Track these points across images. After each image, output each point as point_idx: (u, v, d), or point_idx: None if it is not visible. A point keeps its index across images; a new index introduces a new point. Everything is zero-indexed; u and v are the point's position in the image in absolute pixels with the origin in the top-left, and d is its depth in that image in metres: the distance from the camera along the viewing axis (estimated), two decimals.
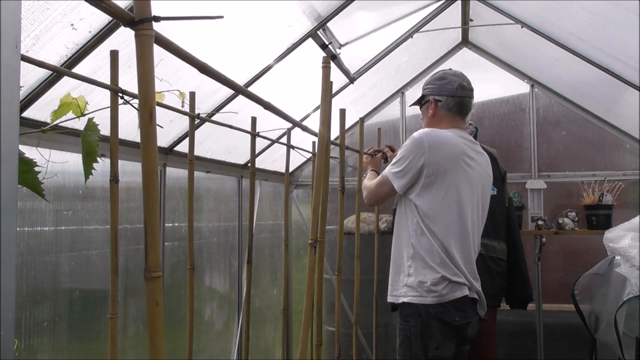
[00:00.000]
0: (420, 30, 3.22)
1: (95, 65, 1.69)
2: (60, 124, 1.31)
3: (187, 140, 1.91)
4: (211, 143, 2.74)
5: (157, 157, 0.67)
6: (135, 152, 2.15)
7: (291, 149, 2.77)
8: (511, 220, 2.75)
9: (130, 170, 2.26)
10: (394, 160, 2.00)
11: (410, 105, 2.29)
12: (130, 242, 2.25)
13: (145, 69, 0.65)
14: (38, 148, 1.17)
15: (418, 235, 1.88)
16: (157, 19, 0.65)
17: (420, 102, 2.14)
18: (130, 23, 0.65)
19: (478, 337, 1.96)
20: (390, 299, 1.97)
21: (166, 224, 2.52)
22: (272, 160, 3.57)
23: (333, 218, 3.63)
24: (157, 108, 1.54)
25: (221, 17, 0.74)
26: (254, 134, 2.24)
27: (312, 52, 2.63)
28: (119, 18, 0.67)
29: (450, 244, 1.86)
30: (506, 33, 3.28)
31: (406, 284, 1.89)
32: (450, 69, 2.15)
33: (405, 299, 1.87)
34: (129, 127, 1.85)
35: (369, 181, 2.20)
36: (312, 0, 2.34)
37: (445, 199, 1.88)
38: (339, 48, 2.84)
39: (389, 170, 1.99)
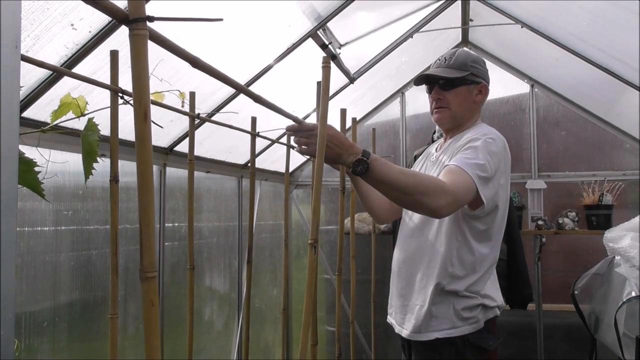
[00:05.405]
0: (420, 30, 3.23)
1: (95, 65, 1.69)
2: (60, 124, 1.31)
3: (187, 140, 1.91)
4: (211, 143, 2.74)
5: (152, 156, 0.68)
6: (135, 152, 2.15)
7: (291, 149, 2.77)
8: (511, 220, 2.75)
9: (131, 171, 2.26)
10: (473, 156, 1.47)
11: (446, 77, 1.65)
12: (130, 242, 2.25)
13: (139, 68, 0.66)
14: (38, 148, 1.17)
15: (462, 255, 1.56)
16: (151, 19, 0.65)
17: (462, 80, 1.65)
18: (125, 21, 0.65)
19: None
20: (415, 336, 1.60)
21: (166, 224, 2.52)
22: (272, 160, 3.57)
23: (333, 218, 3.63)
24: (158, 108, 1.55)
25: (220, 19, 0.74)
26: (254, 134, 2.24)
27: (312, 52, 2.63)
28: (114, 15, 0.67)
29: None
30: (506, 33, 3.28)
31: (434, 315, 1.56)
32: None
33: (439, 335, 1.55)
34: (129, 127, 1.84)
35: (413, 177, 1.40)
36: (312, 0, 2.34)
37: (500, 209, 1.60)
38: (339, 48, 2.84)
39: (473, 170, 1.43)
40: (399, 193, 1.36)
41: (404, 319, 1.65)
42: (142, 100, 0.66)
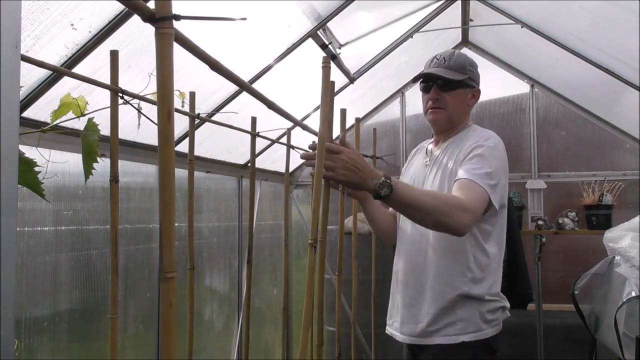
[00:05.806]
0: (420, 30, 3.23)
1: (95, 65, 1.69)
2: (60, 124, 1.31)
3: (187, 140, 1.91)
4: (211, 143, 2.74)
5: (174, 157, 0.67)
6: (135, 152, 2.14)
7: (291, 149, 2.76)
8: (511, 220, 2.75)
9: (130, 171, 2.26)
10: (481, 165, 1.50)
11: (446, 78, 1.63)
12: (130, 242, 2.25)
13: (164, 67, 0.64)
14: (38, 148, 1.17)
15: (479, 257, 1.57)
16: (178, 17, 0.64)
17: (460, 83, 1.65)
18: (151, 19, 0.64)
19: None
20: (438, 340, 1.56)
21: None
22: (272, 160, 3.57)
23: (333, 218, 3.63)
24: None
25: (244, 19, 0.73)
26: (254, 134, 2.24)
27: (312, 52, 2.63)
28: (139, 12, 0.66)
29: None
30: (506, 33, 3.28)
31: (459, 318, 1.54)
32: None
33: (464, 338, 1.52)
34: (129, 127, 1.85)
35: (435, 198, 1.40)
36: (312, 0, 2.34)
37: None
38: (339, 48, 2.84)
39: (484, 181, 1.47)
40: (421, 214, 1.37)
41: (416, 328, 1.60)
42: (166, 100, 0.65)
